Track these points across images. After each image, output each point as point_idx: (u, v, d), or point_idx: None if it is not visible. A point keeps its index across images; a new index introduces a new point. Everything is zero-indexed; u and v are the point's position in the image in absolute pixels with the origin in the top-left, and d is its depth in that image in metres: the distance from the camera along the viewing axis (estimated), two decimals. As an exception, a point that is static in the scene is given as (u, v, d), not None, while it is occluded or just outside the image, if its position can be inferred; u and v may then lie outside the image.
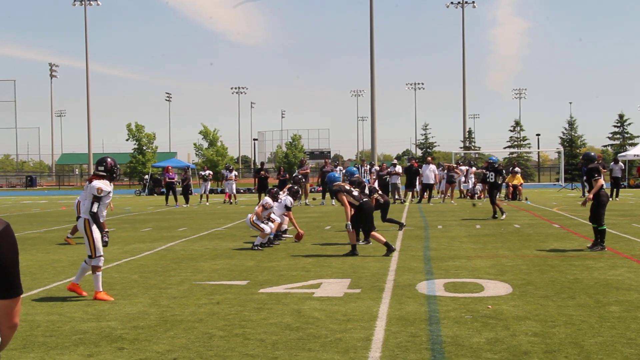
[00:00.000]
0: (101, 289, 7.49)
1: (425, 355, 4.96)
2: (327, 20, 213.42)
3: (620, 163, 29.25)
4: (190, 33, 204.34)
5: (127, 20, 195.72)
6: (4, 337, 2.31)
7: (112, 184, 7.86)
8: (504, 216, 17.54)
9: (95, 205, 7.52)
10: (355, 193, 11.01)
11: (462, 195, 29.90)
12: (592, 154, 11.83)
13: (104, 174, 7.70)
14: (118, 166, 7.93)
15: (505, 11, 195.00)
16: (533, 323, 5.90)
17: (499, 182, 18.13)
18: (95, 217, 7.53)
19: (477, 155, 63.10)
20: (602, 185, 10.94)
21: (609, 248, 10.96)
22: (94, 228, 7.53)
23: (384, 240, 10.69)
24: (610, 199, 25.50)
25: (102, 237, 7.60)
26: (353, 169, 12.15)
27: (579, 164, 27.84)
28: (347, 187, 11.11)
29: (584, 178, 11.45)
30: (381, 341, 5.37)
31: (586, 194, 19.13)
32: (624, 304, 6.67)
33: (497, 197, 18.21)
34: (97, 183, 7.57)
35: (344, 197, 10.84)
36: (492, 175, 18.07)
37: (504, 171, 18.67)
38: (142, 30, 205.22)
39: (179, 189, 29.33)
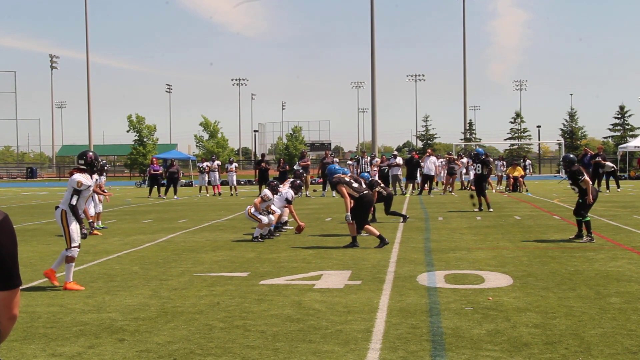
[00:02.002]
0: (72, 279, 7.54)
1: (425, 347, 4.96)
2: (328, 11, 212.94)
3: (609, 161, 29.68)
4: (191, 24, 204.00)
5: (127, 12, 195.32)
6: (4, 329, 2.30)
7: (93, 177, 7.90)
8: (475, 208, 17.55)
9: (75, 198, 7.55)
10: (355, 185, 11.00)
11: (463, 187, 29.97)
12: (571, 155, 11.60)
13: (84, 167, 7.72)
14: (99, 160, 8.00)
15: (505, 2, 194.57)
16: (533, 314, 5.90)
17: (485, 174, 18.09)
18: (74, 209, 7.55)
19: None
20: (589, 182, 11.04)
21: (609, 240, 10.97)
22: (71, 219, 7.55)
23: (378, 232, 10.70)
24: (608, 191, 25.52)
25: (80, 229, 7.62)
26: (335, 167, 11.72)
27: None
28: (347, 179, 11.10)
29: (571, 180, 11.21)
30: (382, 333, 5.37)
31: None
32: (625, 295, 6.67)
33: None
34: (78, 176, 7.59)
35: (344, 189, 10.84)
36: (478, 167, 18.06)
37: (489, 162, 18.57)
38: (143, 22, 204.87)
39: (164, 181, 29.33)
